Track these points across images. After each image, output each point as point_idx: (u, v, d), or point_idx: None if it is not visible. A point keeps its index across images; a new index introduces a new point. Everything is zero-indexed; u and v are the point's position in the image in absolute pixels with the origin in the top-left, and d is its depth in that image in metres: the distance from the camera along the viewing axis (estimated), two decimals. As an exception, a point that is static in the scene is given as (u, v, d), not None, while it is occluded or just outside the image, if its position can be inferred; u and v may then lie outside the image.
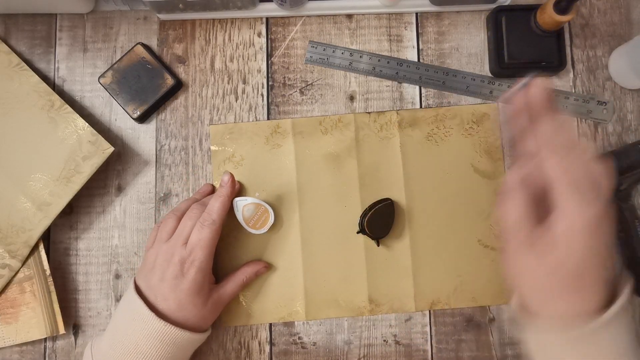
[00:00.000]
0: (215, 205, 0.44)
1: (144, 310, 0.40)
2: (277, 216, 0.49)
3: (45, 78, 0.50)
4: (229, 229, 0.49)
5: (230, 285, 0.46)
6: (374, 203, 0.48)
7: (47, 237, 0.49)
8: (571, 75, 0.51)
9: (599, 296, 0.32)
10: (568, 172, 0.31)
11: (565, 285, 0.32)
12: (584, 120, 0.51)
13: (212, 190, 0.49)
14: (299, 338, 0.48)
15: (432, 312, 0.49)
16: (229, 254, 0.49)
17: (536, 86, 0.34)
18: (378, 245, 0.48)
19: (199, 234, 0.42)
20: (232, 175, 0.45)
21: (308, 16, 0.52)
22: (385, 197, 0.48)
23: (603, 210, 0.31)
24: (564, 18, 0.45)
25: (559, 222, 0.31)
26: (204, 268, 0.42)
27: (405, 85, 0.51)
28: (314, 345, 0.48)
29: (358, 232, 0.48)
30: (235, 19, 0.52)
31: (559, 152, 0.32)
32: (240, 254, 0.49)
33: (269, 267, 0.49)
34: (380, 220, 0.47)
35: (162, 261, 0.42)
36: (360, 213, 0.49)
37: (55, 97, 0.48)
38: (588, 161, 0.32)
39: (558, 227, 0.31)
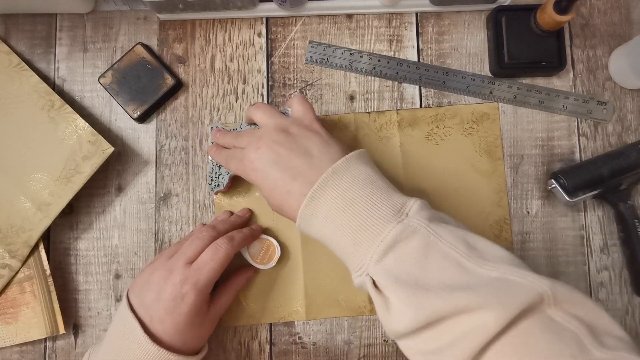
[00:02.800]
0: (240, 236, 0.43)
1: (139, 333, 0.38)
2: (277, 215, 0.49)
3: (45, 78, 0.50)
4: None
5: (224, 298, 0.45)
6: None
7: (47, 237, 0.49)
8: (571, 75, 0.51)
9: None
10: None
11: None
12: (584, 120, 0.51)
13: (230, 215, 0.49)
14: (299, 338, 0.48)
15: (432, 312, 0.49)
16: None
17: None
18: None
19: (213, 254, 0.41)
20: (260, 227, 0.48)
21: (308, 16, 0.52)
22: None
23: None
24: (564, 18, 0.45)
25: None
26: (205, 291, 0.40)
27: (405, 85, 0.51)
28: (314, 345, 0.48)
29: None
30: (235, 19, 0.52)
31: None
32: (237, 256, 0.49)
33: (258, 271, 0.48)
34: None
35: (158, 278, 0.40)
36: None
37: (56, 97, 0.48)
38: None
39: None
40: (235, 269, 0.47)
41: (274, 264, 0.47)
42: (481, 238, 0.34)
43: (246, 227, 0.47)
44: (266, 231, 0.49)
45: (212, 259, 0.40)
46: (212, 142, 0.48)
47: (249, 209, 0.49)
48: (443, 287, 0.31)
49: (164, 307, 0.39)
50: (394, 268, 0.33)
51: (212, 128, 0.47)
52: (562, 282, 0.30)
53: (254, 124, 0.45)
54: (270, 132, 0.40)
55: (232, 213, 0.49)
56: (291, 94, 0.48)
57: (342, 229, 0.36)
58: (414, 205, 0.36)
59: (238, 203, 0.49)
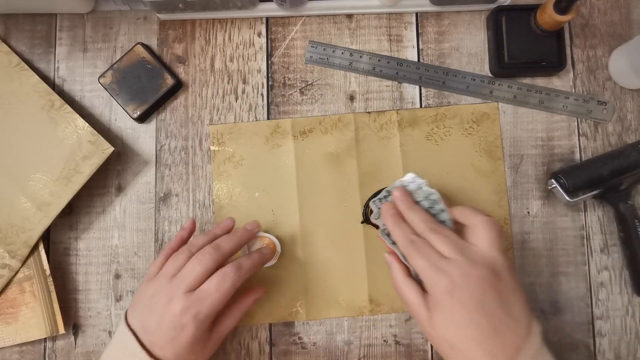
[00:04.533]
0: (248, 264, 0.41)
1: (135, 347, 0.37)
2: (277, 215, 0.49)
3: (45, 78, 0.50)
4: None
5: (230, 320, 0.42)
6: (375, 193, 0.48)
7: (47, 237, 0.49)
8: (571, 75, 0.51)
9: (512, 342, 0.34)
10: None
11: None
12: (584, 120, 0.51)
13: (234, 226, 0.45)
14: (299, 338, 0.48)
15: (432, 312, 0.49)
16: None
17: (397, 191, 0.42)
18: None
19: (219, 285, 0.38)
20: (272, 249, 0.45)
21: (308, 16, 0.52)
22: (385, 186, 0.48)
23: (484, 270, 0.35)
24: (564, 18, 0.45)
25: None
26: (207, 322, 0.38)
27: (405, 85, 0.51)
28: (314, 345, 0.48)
29: (362, 222, 0.48)
30: (235, 19, 0.52)
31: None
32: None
33: (267, 290, 0.47)
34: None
35: (158, 303, 0.38)
36: (361, 209, 0.49)
37: (55, 97, 0.48)
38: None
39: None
40: (242, 287, 0.42)
41: (274, 262, 0.47)
42: None
43: (258, 248, 0.45)
44: (266, 227, 0.49)
45: (217, 290, 0.38)
46: (387, 197, 0.42)
47: (258, 223, 0.45)
48: None
49: (164, 336, 0.38)
50: None
51: (401, 182, 0.42)
52: None
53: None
54: (488, 267, 0.36)
55: (233, 221, 0.45)
56: (479, 220, 0.38)
57: None
58: None
59: (238, 202, 0.49)
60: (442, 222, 0.40)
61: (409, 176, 0.42)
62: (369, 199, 0.47)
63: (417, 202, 0.41)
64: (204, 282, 0.39)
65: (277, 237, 0.47)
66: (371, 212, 0.44)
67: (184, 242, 0.44)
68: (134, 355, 0.37)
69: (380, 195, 0.43)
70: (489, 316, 0.35)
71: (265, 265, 0.46)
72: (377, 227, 0.43)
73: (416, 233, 0.39)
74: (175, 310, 0.38)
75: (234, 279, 0.39)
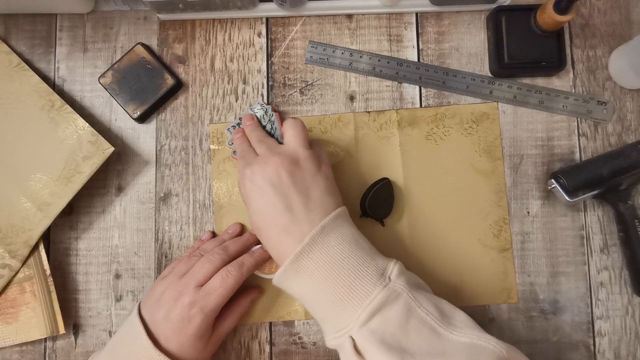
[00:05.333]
0: (250, 261, 0.43)
1: (143, 338, 0.39)
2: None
3: (45, 78, 0.51)
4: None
5: (229, 321, 0.45)
6: (372, 185, 0.48)
7: (47, 237, 0.49)
8: (571, 75, 0.51)
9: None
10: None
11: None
12: (584, 120, 0.51)
13: (242, 230, 0.49)
14: (299, 338, 0.48)
15: (432, 312, 0.49)
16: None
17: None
18: (384, 226, 0.48)
19: (223, 281, 0.41)
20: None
21: (308, 16, 0.52)
22: (380, 176, 0.49)
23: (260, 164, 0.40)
24: (564, 18, 0.45)
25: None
26: (211, 316, 0.41)
27: (405, 85, 0.51)
28: (314, 345, 0.48)
29: (361, 216, 0.48)
30: (235, 19, 0.52)
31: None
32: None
33: (262, 290, 0.48)
34: (381, 200, 0.47)
35: (169, 297, 0.41)
36: (359, 202, 0.49)
37: (56, 97, 0.48)
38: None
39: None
40: (240, 289, 0.46)
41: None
42: (448, 304, 0.38)
43: (259, 246, 0.46)
44: None
45: (221, 285, 0.41)
46: (239, 123, 0.48)
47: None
48: (424, 353, 0.33)
49: (171, 327, 0.40)
50: (378, 330, 0.35)
51: (251, 109, 0.48)
52: (514, 347, 0.35)
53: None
54: (284, 155, 0.40)
55: (242, 226, 0.49)
56: (287, 118, 0.46)
57: (327, 289, 0.36)
58: (394, 268, 0.38)
59: (239, 202, 0.49)
60: (277, 139, 0.45)
61: (258, 104, 0.48)
62: (366, 192, 0.48)
63: (263, 127, 0.47)
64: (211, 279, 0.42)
65: None
66: (227, 139, 0.49)
67: None
68: (140, 344, 0.39)
69: (234, 123, 0.49)
70: (282, 196, 0.39)
71: (270, 277, 0.46)
72: (376, 219, 0.48)
73: (251, 146, 0.44)
74: (184, 302, 0.40)
75: (236, 276, 0.42)
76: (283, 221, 0.38)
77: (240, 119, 0.48)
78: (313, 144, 0.44)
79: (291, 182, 0.39)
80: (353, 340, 0.35)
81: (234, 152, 0.47)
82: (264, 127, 0.47)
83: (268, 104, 0.49)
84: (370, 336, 0.34)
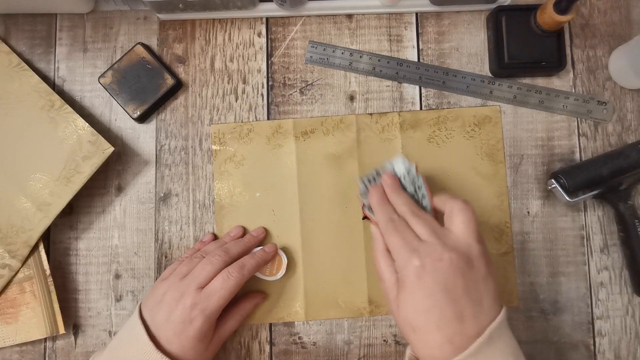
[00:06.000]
0: (251, 262, 0.43)
1: (144, 339, 0.39)
2: (277, 216, 0.49)
3: (45, 78, 0.50)
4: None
5: (231, 323, 0.45)
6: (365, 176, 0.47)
7: (47, 237, 0.49)
8: (571, 75, 0.51)
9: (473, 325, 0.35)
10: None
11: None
12: (584, 120, 0.51)
13: (243, 233, 0.49)
14: (299, 338, 0.48)
15: (432, 312, 0.49)
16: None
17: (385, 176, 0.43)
18: None
19: (224, 282, 0.41)
20: (276, 247, 0.47)
21: (308, 16, 0.52)
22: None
23: (455, 256, 0.35)
24: (564, 18, 0.45)
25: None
26: (213, 317, 0.41)
27: (405, 85, 0.51)
28: (314, 345, 0.48)
29: (363, 219, 0.48)
30: (235, 19, 0.52)
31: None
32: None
33: (266, 296, 0.48)
34: None
35: (170, 299, 0.41)
36: (360, 205, 0.49)
37: (55, 97, 0.48)
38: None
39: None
40: (243, 293, 0.47)
41: (281, 275, 0.47)
42: None
43: (260, 248, 0.47)
44: (266, 227, 0.49)
45: (222, 287, 0.41)
46: (375, 178, 0.44)
47: (265, 229, 0.48)
48: None
49: (173, 329, 0.40)
50: None
51: (390, 163, 0.44)
52: None
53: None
54: (459, 253, 0.36)
55: (244, 229, 0.49)
56: (453, 204, 0.39)
57: None
58: None
59: (239, 202, 0.49)
60: (423, 208, 0.41)
61: (399, 159, 0.44)
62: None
63: (403, 187, 0.42)
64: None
65: (283, 249, 0.48)
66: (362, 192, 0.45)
67: None
68: (141, 346, 0.39)
69: (369, 175, 0.44)
70: (453, 302, 0.35)
71: (273, 279, 0.47)
72: (363, 205, 0.45)
73: (397, 214, 0.40)
74: (185, 304, 0.40)
75: (237, 277, 0.42)
76: (450, 330, 0.34)
77: (377, 172, 0.44)
78: (479, 233, 0.38)
79: (465, 287, 0.35)
80: None
81: (369, 207, 0.43)
82: (404, 188, 0.42)
83: (410, 162, 0.44)
84: None
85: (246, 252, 0.45)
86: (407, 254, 0.36)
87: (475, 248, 0.36)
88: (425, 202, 0.41)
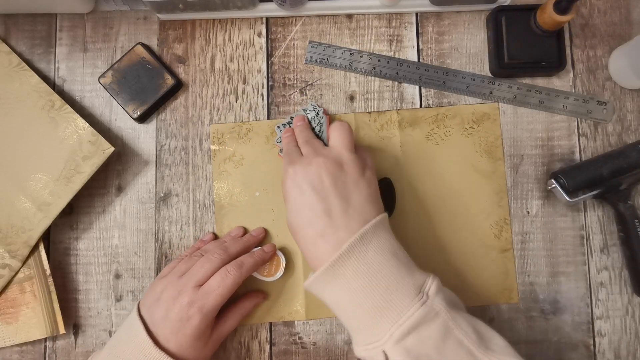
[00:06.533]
0: (250, 261, 0.43)
1: (143, 336, 0.39)
2: (277, 215, 0.49)
3: (45, 78, 0.50)
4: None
5: (230, 322, 0.45)
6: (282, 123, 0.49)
7: (47, 237, 0.49)
8: (571, 75, 0.51)
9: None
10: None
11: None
12: (584, 120, 0.51)
13: (244, 233, 0.49)
14: (299, 338, 0.48)
15: (432, 312, 0.49)
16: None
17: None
18: None
19: (222, 280, 0.41)
20: (274, 247, 0.47)
21: (308, 16, 0.52)
22: (381, 177, 0.48)
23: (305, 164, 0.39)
24: (564, 18, 0.45)
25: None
26: (210, 315, 0.41)
27: (405, 85, 0.51)
28: (314, 345, 0.48)
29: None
30: (235, 19, 0.52)
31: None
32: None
33: (267, 296, 0.48)
34: (382, 199, 0.47)
35: (168, 297, 0.41)
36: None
37: (56, 97, 0.48)
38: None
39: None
40: (244, 292, 0.47)
41: (280, 275, 0.47)
42: (485, 326, 0.36)
43: (259, 248, 0.47)
44: (266, 227, 0.49)
45: (220, 285, 0.41)
46: (290, 123, 0.48)
47: (264, 229, 0.49)
48: None
49: (170, 327, 0.40)
50: (414, 349, 0.34)
51: (303, 110, 0.48)
52: None
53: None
54: (328, 157, 0.40)
55: (245, 229, 0.49)
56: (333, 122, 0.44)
57: (362, 300, 0.35)
58: (432, 284, 0.36)
59: (239, 202, 0.49)
60: (323, 141, 0.45)
61: (310, 105, 0.49)
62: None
63: (312, 129, 0.47)
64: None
65: (282, 249, 0.48)
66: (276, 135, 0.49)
67: None
68: (140, 343, 0.39)
69: (284, 122, 0.49)
70: (322, 199, 0.38)
71: (272, 280, 0.47)
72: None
73: (297, 146, 0.44)
74: (183, 302, 0.40)
75: (235, 276, 0.41)
76: (320, 225, 0.37)
77: (291, 118, 0.49)
78: (359, 148, 0.43)
79: (332, 185, 0.38)
80: (386, 355, 0.34)
81: (281, 150, 0.47)
82: (313, 129, 0.47)
83: (320, 106, 0.49)
84: (405, 354, 0.33)
85: (245, 251, 0.45)
86: (286, 166, 0.41)
87: (345, 155, 0.40)
88: (324, 135, 0.46)
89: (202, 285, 0.41)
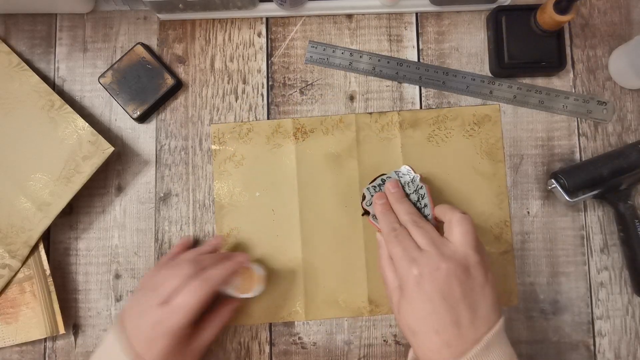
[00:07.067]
0: (217, 273, 0.40)
1: (118, 350, 0.38)
2: (277, 215, 0.49)
3: (45, 78, 0.50)
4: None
5: (209, 332, 0.42)
6: (370, 183, 0.47)
7: (47, 237, 0.49)
8: (571, 75, 0.51)
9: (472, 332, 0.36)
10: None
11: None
12: (584, 120, 0.51)
13: (221, 243, 0.47)
14: (299, 338, 0.48)
15: (432, 312, 0.49)
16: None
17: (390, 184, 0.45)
18: None
19: (190, 297, 0.38)
20: (247, 257, 0.44)
21: (308, 16, 0.52)
22: (379, 173, 0.48)
23: (454, 264, 0.37)
24: (564, 18, 0.45)
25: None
26: (180, 333, 0.39)
27: (405, 85, 0.51)
28: (314, 345, 0.48)
29: (363, 215, 0.48)
30: (235, 19, 0.52)
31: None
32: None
33: (243, 302, 0.46)
34: None
35: (136, 314, 0.39)
36: (359, 203, 0.49)
37: (55, 97, 0.48)
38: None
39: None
40: (221, 298, 0.45)
41: (259, 291, 0.45)
42: None
43: (230, 262, 0.43)
44: (266, 227, 0.49)
45: (188, 302, 0.38)
46: (381, 185, 0.45)
47: (246, 255, 0.45)
48: None
49: (140, 346, 0.38)
50: None
51: (396, 173, 0.45)
52: None
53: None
54: (456, 262, 0.37)
55: (220, 238, 0.47)
56: (452, 215, 0.40)
57: None
58: None
59: (239, 202, 0.49)
60: (425, 217, 0.43)
61: (404, 168, 0.46)
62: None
63: (407, 195, 0.44)
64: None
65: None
66: (364, 197, 0.46)
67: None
68: (116, 357, 0.38)
69: (374, 183, 0.46)
70: (450, 308, 0.36)
71: (247, 296, 0.44)
72: (367, 213, 0.46)
73: (399, 223, 0.42)
74: (147, 322, 0.39)
75: (203, 289, 0.39)
76: (447, 335, 0.36)
77: (382, 180, 0.45)
78: (479, 245, 0.40)
79: (462, 294, 0.36)
80: None
81: (373, 216, 0.44)
82: (407, 196, 0.44)
83: (414, 170, 0.45)
84: None
85: (218, 263, 0.42)
86: (407, 264, 0.38)
87: (472, 257, 0.38)
88: (427, 211, 0.43)
89: (168, 302, 0.39)
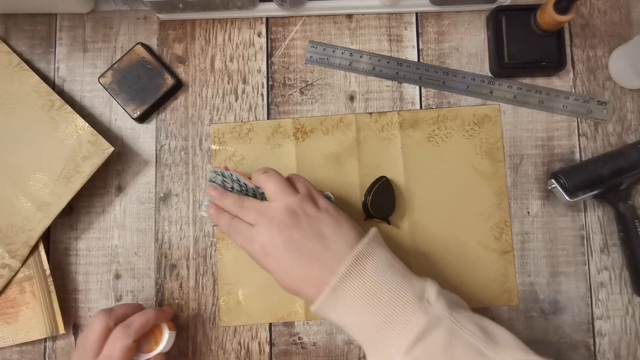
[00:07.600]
0: (137, 322, 0.41)
1: None
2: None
3: (45, 78, 0.50)
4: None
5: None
6: (370, 186, 0.48)
7: (47, 237, 0.49)
8: (571, 75, 0.51)
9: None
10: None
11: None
12: (584, 120, 0.51)
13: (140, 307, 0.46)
14: (299, 338, 0.48)
15: (432, 312, 0.49)
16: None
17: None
18: (390, 224, 0.48)
19: (111, 348, 0.40)
20: (171, 310, 0.46)
21: (308, 16, 0.52)
22: (378, 176, 0.48)
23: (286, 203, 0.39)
24: (564, 18, 0.45)
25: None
26: None
27: (405, 85, 0.51)
28: (314, 345, 0.48)
29: (366, 219, 0.48)
30: (235, 19, 0.52)
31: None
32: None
33: (173, 311, 0.47)
34: (382, 200, 0.47)
35: None
36: (361, 205, 0.49)
37: (55, 97, 0.48)
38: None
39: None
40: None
41: (162, 349, 0.43)
42: (489, 321, 0.37)
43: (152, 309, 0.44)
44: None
45: (111, 354, 0.39)
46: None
47: (171, 308, 0.47)
48: None
49: None
50: (423, 358, 0.34)
51: (211, 181, 0.44)
52: None
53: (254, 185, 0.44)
54: (281, 213, 0.39)
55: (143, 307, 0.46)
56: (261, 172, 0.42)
57: (367, 317, 0.36)
58: (432, 290, 0.37)
59: (238, 203, 0.49)
60: (254, 193, 0.44)
61: (210, 170, 0.45)
62: (366, 194, 0.48)
63: (230, 189, 0.44)
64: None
65: (172, 322, 0.46)
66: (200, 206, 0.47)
67: None
68: None
69: (205, 201, 0.45)
70: (300, 252, 0.38)
71: (148, 356, 0.43)
72: (370, 217, 0.47)
73: (232, 216, 0.42)
74: None
75: (124, 340, 0.40)
76: (314, 272, 0.38)
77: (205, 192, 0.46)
78: (293, 179, 0.43)
79: (301, 235, 0.38)
80: None
81: (214, 223, 0.46)
82: (232, 190, 0.44)
83: (218, 167, 0.45)
84: None
85: (132, 313, 0.43)
86: (249, 244, 0.40)
87: (292, 200, 0.40)
88: (250, 185, 0.44)
89: (97, 355, 0.40)
